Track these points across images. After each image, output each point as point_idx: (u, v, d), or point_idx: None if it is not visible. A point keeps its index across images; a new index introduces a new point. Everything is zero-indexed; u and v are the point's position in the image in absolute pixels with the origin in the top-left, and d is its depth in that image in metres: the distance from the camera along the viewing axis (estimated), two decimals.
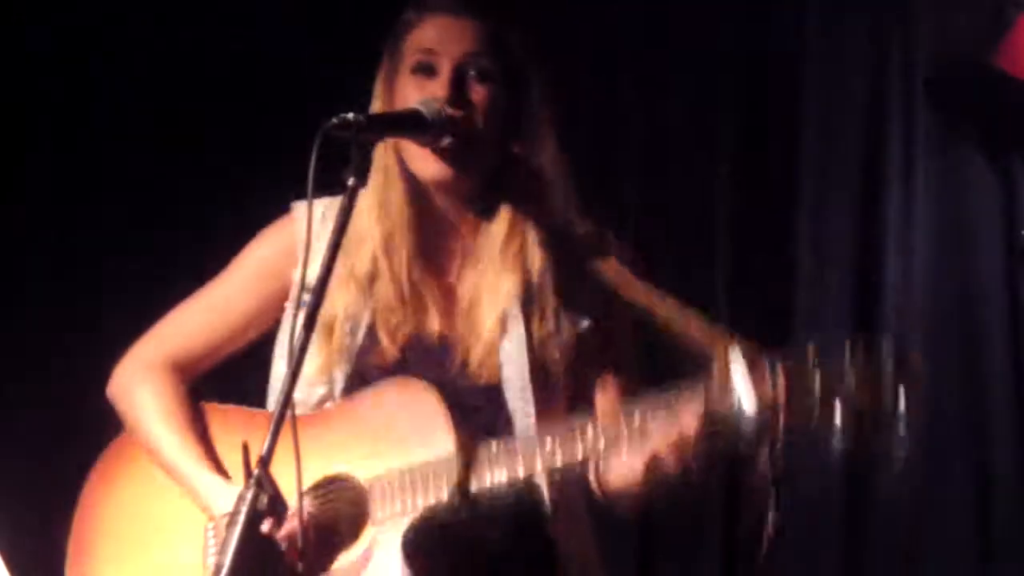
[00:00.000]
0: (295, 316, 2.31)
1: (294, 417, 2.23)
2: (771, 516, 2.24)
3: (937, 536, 4.08)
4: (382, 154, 2.57)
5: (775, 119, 4.25)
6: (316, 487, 2.51)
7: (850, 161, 4.20)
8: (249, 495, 2.18)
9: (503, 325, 2.56)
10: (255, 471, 2.20)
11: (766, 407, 2.18)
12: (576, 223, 2.64)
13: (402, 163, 2.61)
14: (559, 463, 2.39)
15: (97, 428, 2.87)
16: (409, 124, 2.51)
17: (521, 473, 2.40)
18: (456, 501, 2.41)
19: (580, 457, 2.38)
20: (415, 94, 2.56)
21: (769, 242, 4.14)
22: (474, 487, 2.42)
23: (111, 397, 2.80)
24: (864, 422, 2.15)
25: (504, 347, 2.56)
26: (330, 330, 2.56)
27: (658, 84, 4.29)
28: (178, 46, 4.27)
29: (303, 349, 2.26)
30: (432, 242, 2.64)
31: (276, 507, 2.21)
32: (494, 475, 2.41)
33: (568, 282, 2.60)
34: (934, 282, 4.12)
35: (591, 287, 2.60)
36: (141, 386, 2.76)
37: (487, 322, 2.57)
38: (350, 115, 2.39)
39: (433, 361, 2.56)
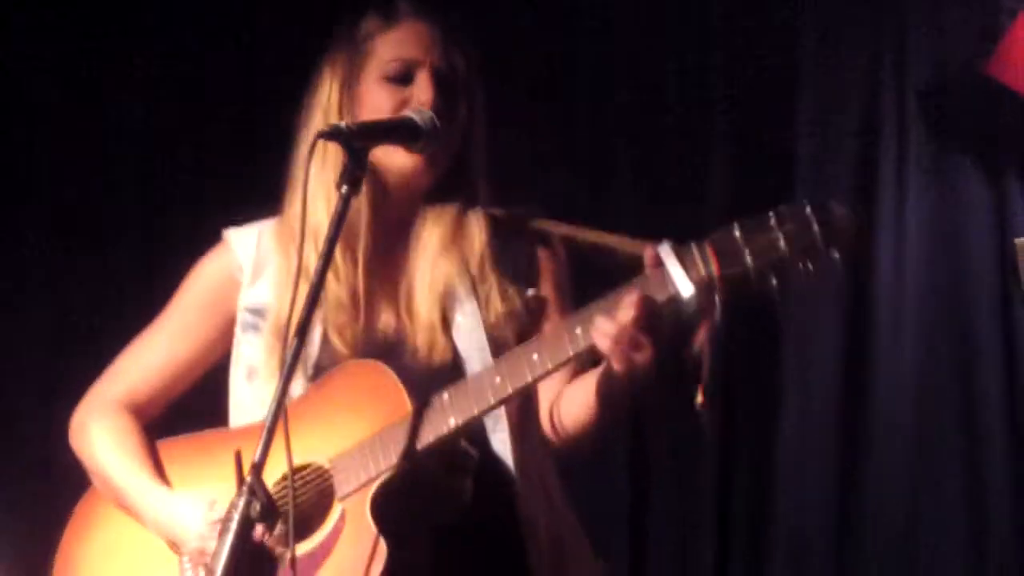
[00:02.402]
0: (292, 335, 2.30)
1: (287, 427, 2.23)
2: (702, 386, 2.31)
3: (930, 544, 4.08)
4: (338, 153, 2.54)
5: (769, 128, 4.25)
6: (278, 483, 2.49)
7: (843, 171, 4.21)
8: (241, 503, 2.18)
9: (448, 305, 2.59)
10: (247, 478, 2.20)
11: (701, 287, 2.20)
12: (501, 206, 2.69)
13: None
14: (510, 390, 2.37)
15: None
16: (403, 132, 2.53)
17: (476, 411, 2.39)
18: (414, 456, 2.40)
19: (530, 379, 2.36)
20: (388, 101, 2.60)
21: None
22: (431, 438, 2.40)
23: (71, 443, 2.80)
24: (797, 273, 2.17)
25: (458, 323, 2.59)
26: (283, 336, 2.51)
27: (651, 100, 4.30)
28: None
29: (295, 358, 2.27)
30: (386, 240, 2.67)
31: (268, 514, 2.21)
32: (451, 421, 2.39)
33: (506, 256, 2.64)
34: (927, 290, 4.12)
35: (528, 256, 2.66)
36: (94, 424, 2.76)
37: (423, 305, 2.59)
38: (342, 123, 2.41)
39: (384, 353, 2.56)
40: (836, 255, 2.15)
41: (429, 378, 2.52)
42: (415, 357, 2.57)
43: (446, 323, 2.59)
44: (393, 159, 2.59)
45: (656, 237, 2.31)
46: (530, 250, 2.68)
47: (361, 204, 2.61)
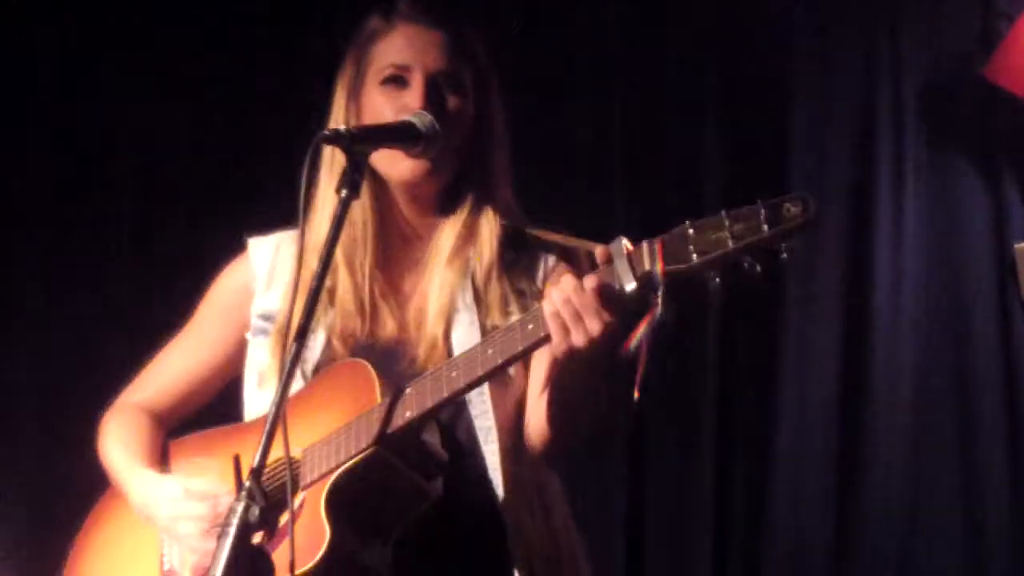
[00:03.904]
0: (290, 344, 2.30)
1: (285, 432, 2.22)
2: (639, 380, 2.30)
3: (927, 547, 4.09)
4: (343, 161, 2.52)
5: (766, 133, 4.26)
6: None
7: (841, 175, 4.22)
8: (240, 507, 2.17)
9: (449, 317, 2.58)
10: (246, 483, 2.19)
11: (643, 282, 2.22)
12: (519, 217, 2.67)
13: (368, 171, 2.61)
14: (463, 383, 2.38)
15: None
16: (402, 136, 2.52)
17: (430, 403, 2.38)
18: (372, 447, 2.40)
19: (480, 372, 2.36)
20: (387, 105, 2.59)
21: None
22: (389, 429, 2.40)
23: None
24: (743, 272, 2.18)
25: (456, 335, 2.58)
26: (284, 339, 2.51)
27: (646, 105, 4.30)
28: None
29: (294, 363, 2.26)
30: (393, 251, 2.66)
31: (267, 519, 2.20)
32: (406, 414, 2.40)
33: (517, 268, 2.63)
34: (925, 295, 4.13)
35: (540, 270, 2.63)
36: (110, 423, 2.79)
37: (430, 319, 2.59)
38: (341, 127, 2.40)
39: (382, 362, 2.55)
40: (784, 256, 2.16)
41: None
42: (413, 365, 2.56)
43: (447, 333, 2.59)
44: (397, 166, 2.59)
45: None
46: (544, 263, 2.65)
47: (367, 214, 2.62)
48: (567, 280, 2.30)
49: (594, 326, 2.27)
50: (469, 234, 2.62)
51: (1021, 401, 4.06)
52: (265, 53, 4.39)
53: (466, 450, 2.54)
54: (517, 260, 2.63)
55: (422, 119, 2.52)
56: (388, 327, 2.63)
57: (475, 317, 2.58)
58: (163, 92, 4.37)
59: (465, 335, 2.56)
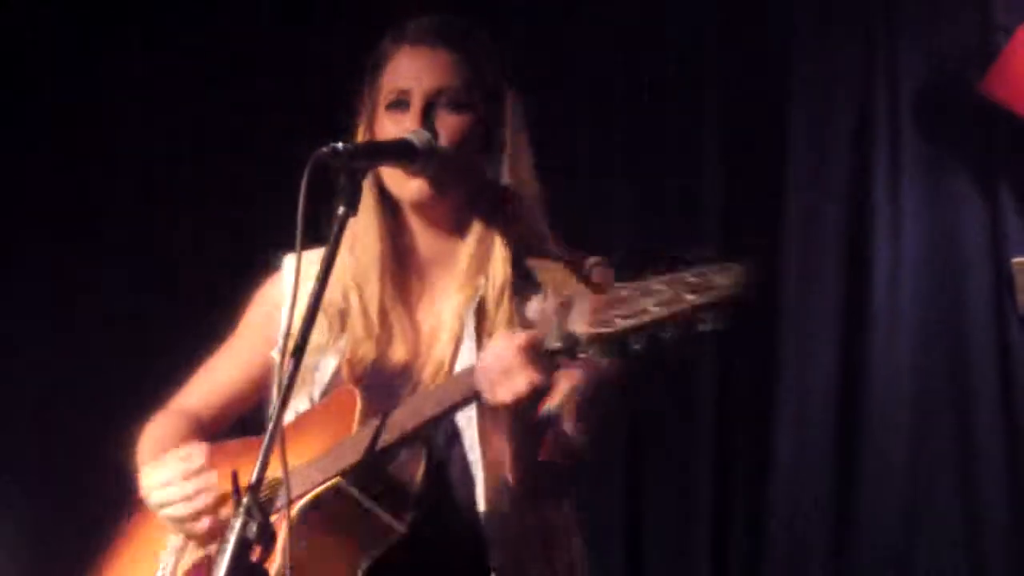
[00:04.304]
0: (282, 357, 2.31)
1: (283, 448, 2.24)
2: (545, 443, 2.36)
3: (926, 547, 4.10)
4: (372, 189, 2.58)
5: (762, 140, 4.27)
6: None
7: (837, 185, 4.22)
8: (238, 524, 2.19)
9: (458, 342, 2.58)
10: (244, 499, 2.20)
11: (568, 343, 2.21)
12: (549, 243, 2.63)
13: (380, 193, 2.62)
14: (409, 427, 2.38)
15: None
16: (399, 152, 2.52)
17: (380, 444, 2.39)
18: (344, 474, 2.40)
19: (423, 419, 2.37)
20: (392, 130, 2.58)
21: (757, 264, 4.14)
22: (358, 456, 2.40)
23: None
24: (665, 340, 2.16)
25: (459, 362, 2.57)
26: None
27: (643, 108, 4.31)
28: None
29: (292, 379, 2.28)
30: (407, 276, 2.66)
31: (265, 535, 2.21)
32: (349, 458, 2.40)
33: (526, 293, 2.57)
34: (923, 307, 4.14)
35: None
36: (150, 422, 2.81)
37: (441, 342, 2.59)
38: (339, 144, 2.40)
39: (387, 387, 2.56)
40: (707, 328, 2.13)
41: None
42: (416, 390, 2.56)
43: (453, 359, 2.58)
44: (404, 188, 2.58)
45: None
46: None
47: (380, 239, 2.63)
48: (498, 336, 2.31)
49: (519, 384, 2.27)
50: (484, 257, 2.61)
51: (1018, 415, 4.07)
52: (267, 52, 4.40)
53: (456, 483, 2.53)
54: (524, 286, 2.59)
55: (419, 136, 2.52)
56: (399, 352, 2.63)
57: (474, 344, 2.57)
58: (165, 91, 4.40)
59: (468, 361, 2.54)
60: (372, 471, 2.42)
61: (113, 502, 2.81)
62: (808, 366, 4.21)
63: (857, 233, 4.19)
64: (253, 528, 2.19)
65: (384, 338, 2.63)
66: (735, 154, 4.29)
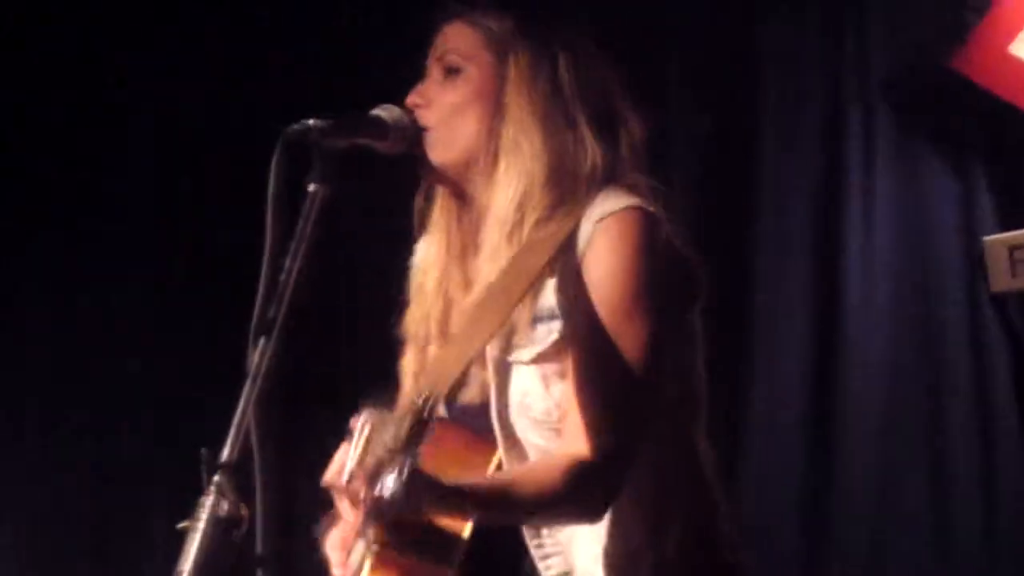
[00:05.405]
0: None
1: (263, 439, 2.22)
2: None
3: (897, 541, 4.11)
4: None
5: (732, 125, 4.26)
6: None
7: (809, 168, 4.22)
8: (209, 502, 2.17)
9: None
10: (216, 478, 2.18)
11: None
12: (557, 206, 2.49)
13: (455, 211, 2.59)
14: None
15: None
16: (369, 129, 2.50)
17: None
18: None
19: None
20: None
21: (729, 248, 4.14)
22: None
23: None
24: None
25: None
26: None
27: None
28: None
29: (261, 359, 2.24)
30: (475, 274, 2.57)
31: (236, 513, 2.19)
32: None
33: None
34: (895, 288, 4.14)
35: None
36: None
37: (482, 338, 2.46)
38: (310, 120, 2.38)
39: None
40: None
41: (474, 416, 2.53)
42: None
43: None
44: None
45: None
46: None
47: (443, 253, 2.60)
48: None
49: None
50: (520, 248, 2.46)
51: (991, 396, 4.07)
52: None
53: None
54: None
55: (390, 112, 2.50)
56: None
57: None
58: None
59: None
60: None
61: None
62: (781, 353, 4.21)
63: (831, 216, 4.19)
64: (224, 507, 2.17)
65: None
66: (702, 147, 4.28)
